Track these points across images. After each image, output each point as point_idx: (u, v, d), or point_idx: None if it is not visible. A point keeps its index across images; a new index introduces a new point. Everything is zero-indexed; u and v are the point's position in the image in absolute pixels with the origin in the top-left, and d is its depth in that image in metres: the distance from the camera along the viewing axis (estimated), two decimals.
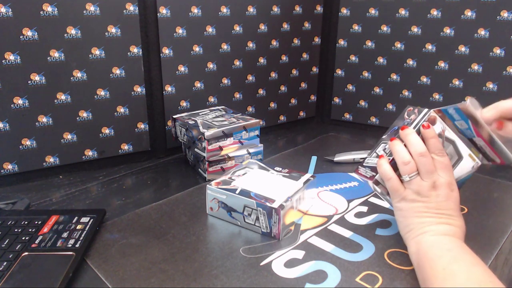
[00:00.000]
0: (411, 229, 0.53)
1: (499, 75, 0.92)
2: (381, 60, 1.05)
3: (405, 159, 0.53)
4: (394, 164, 0.55)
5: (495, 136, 0.54)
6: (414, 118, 0.58)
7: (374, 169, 0.59)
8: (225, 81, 0.97)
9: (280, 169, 0.72)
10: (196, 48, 0.90)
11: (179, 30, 0.87)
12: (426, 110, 0.58)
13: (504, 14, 0.89)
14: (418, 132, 0.55)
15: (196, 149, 0.81)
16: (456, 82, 0.97)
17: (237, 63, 0.98)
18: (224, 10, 0.92)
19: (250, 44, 0.98)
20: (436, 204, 0.52)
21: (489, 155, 0.57)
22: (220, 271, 0.53)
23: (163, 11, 0.84)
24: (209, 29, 0.91)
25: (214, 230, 0.63)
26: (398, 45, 1.02)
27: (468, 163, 0.58)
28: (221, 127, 0.78)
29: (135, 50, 0.83)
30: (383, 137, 0.62)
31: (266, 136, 1.05)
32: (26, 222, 0.61)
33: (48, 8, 0.73)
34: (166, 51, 0.86)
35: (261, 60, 1.02)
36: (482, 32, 0.92)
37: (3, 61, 0.71)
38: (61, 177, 0.82)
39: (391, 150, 0.56)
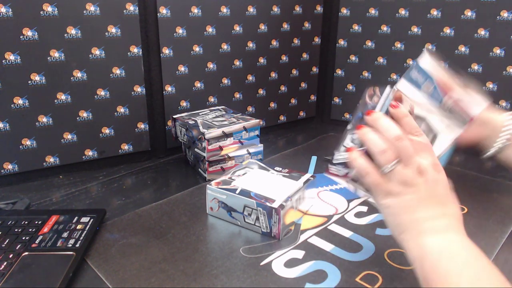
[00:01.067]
0: (405, 229, 0.46)
1: (499, 75, 0.92)
2: (381, 60, 1.05)
3: (381, 148, 0.46)
4: (368, 156, 0.48)
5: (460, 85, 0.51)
6: (377, 100, 0.50)
7: (346, 165, 0.51)
8: (225, 81, 0.97)
9: (280, 169, 0.72)
10: (196, 48, 0.90)
11: (179, 30, 0.87)
12: (388, 88, 0.50)
13: (504, 14, 0.89)
14: (386, 114, 0.48)
15: (196, 149, 0.81)
16: None
17: (237, 63, 0.98)
18: (224, 10, 0.92)
19: (250, 44, 0.98)
20: (426, 192, 0.45)
21: (461, 114, 0.52)
22: (220, 271, 0.53)
23: (163, 11, 0.84)
24: (209, 29, 0.91)
25: (214, 230, 0.63)
26: (398, 45, 1.02)
27: (446, 136, 0.52)
28: (221, 127, 0.78)
29: (135, 50, 0.83)
30: (347, 128, 0.53)
31: (266, 136, 1.05)
32: (26, 222, 0.61)
33: (48, 8, 0.73)
34: (166, 51, 0.86)
35: (261, 60, 1.02)
36: (482, 32, 0.92)
37: (3, 61, 0.71)
38: (61, 177, 0.82)
39: (362, 139, 0.48)
